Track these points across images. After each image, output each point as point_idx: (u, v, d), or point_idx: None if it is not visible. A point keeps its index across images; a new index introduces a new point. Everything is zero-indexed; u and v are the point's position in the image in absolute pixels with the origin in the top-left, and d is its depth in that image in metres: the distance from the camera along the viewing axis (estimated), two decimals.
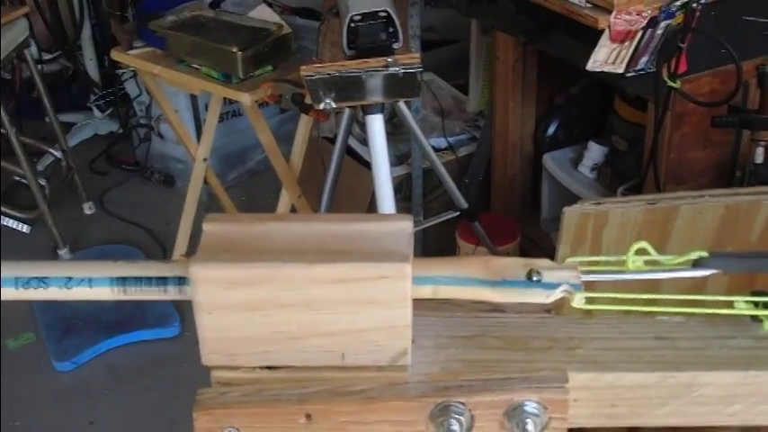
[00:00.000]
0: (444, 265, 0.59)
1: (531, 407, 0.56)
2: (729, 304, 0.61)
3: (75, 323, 2.66)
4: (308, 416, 0.57)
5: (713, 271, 0.59)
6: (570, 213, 2.02)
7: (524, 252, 2.64)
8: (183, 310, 2.69)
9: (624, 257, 0.60)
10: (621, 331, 0.62)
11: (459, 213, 2.37)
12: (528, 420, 0.56)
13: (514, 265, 0.59)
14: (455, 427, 0.56)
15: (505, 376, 0.58)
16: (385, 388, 0.58)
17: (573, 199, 2.36)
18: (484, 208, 2.81)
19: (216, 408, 0.57)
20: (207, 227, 0.59)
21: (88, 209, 3.29)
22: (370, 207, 2.81)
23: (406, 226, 0.59)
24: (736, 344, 0.60)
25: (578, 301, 0.58)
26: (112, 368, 2.57)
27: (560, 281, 0.58)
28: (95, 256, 2.93)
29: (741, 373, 0.58)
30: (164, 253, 3.01)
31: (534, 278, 0.58)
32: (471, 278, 0.58)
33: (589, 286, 0.59)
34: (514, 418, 0.56)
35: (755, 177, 2.15)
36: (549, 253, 2.62)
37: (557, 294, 0.58)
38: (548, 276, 0.58)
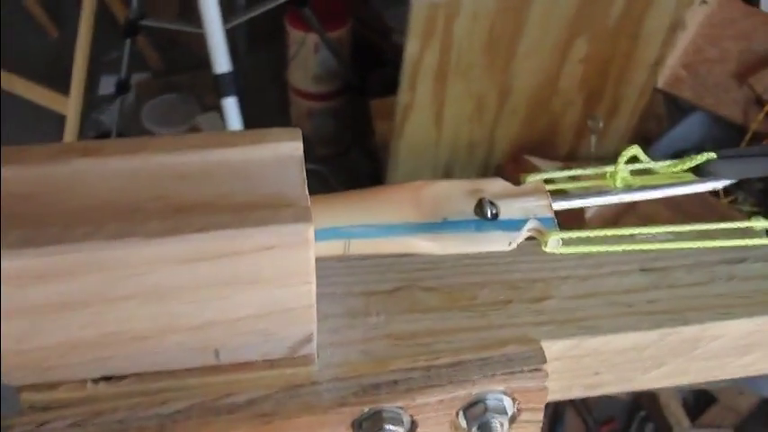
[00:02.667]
0: (358, 205, 0.39)
1: (494, 401, 0.39)
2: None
3: None
4: None
5: (728, 181, 0.42)
6: (419, 4, 1.82)
7: (358, 37, 2.41)
8: None
9: (605, 169, 0.42)
10: (596, 263, 0.45)
11: None
12: (492, 421, 0.39)
13: (457, 194, 0.40)
14: None
15: (455, 359, 0.40)
16: (284, 395, 0.39)
17: None
18: None
19: None
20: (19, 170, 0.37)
21: None
22: None
23: (294, 148, 0.39)
24: (748, 270, 0.45)
25: (553, 244, 0.40)
26: None
27: (525, 215, 0.40)
28: None
29: (763, 319, 0.43)
30: None
31: (488, 212, 0.40)
32: (399, 224, 0.39)
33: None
34: (473, 419, 0.39)
35: None
36: (383, 31, 2.41)
37: (522, 237, 0.40)
38: (506, 208, 0.40)
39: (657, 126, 2.09)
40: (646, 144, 2.07)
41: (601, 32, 1.78)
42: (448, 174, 1.95)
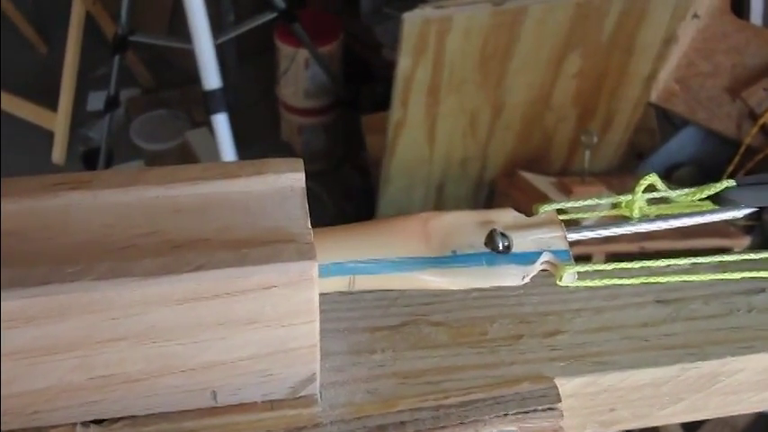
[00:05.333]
0: (363, 239, 0.37)
1: None
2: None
3: None
4: None
5: (748, 210, 0.41)
6: (410, 21, 1.81)
7: (348, 52, 2.39)
8: None
9: (620, 198, 0.40)
10: (610, 294, 0.43)
11: (276, 15, 2.09)
12: None
13: (466, 226, 0.38)
14: None
15: (466, 398, 0.38)
16: None
17: None
18: (300, 5, 2.51)
19: None
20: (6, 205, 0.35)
21: None
22: (174, 12, 2.48)
23: (295, 180, 0.37)
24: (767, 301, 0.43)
25: (569, 279, 0.38)
26: None
27: (538, 247, 0.38)
28: None
29: None
30: None
31: (500, 245, 0.38)
32: (406, 258, 0.37)
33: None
34: None
35: None
36: (374, 46, 2.39)
37: (536, 270, 0.38)
38: (519, 241, 0.38)
39: (650, 140, 2.08)
40: (639, 159, 2.06)
41: (594, 47, 1.77)
42: (441, 190, 1.93)
